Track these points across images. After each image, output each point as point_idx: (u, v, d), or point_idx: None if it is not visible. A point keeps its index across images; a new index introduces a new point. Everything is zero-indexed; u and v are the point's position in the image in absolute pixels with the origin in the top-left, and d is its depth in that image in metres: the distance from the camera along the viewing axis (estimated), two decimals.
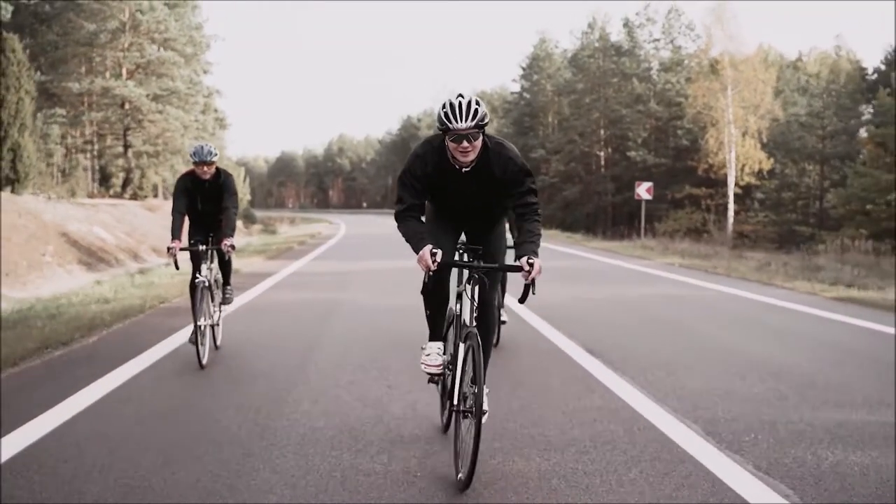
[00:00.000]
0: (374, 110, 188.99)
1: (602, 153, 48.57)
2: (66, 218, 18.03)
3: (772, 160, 36.74)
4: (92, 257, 16.49)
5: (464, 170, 3.43)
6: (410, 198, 3.47)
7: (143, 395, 4.91)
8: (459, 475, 3.33)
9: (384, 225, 46.19)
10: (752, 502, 3.23)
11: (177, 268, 5.81)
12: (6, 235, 14.07)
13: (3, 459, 3.62)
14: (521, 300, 3.30)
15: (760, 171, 36.52)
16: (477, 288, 3.55)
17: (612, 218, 46.08)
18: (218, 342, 6.31)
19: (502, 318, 6.24)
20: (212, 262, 6.08)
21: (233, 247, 5.93)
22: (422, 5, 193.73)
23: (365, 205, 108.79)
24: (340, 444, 3.89)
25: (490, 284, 3.57)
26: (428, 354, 3.78)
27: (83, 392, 4.83)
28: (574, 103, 50.58)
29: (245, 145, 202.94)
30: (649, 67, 48.32)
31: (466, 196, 3.53)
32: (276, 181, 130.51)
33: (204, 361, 5.66)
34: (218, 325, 6.31)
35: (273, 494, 3.25)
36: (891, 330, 7.78)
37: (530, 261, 3.25)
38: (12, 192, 18.58)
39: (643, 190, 25.73)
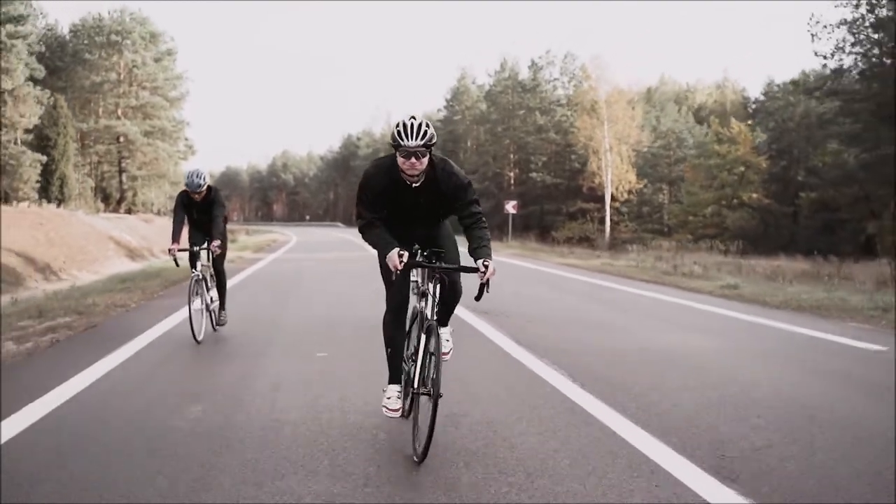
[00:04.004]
0: (316, 128, 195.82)
1: (511, 174, 57.38)
2: (106, 228, 25.93)
3: (644, 181, 46.14)
4: (131, 253, 24.49)
5: (413, 185, 3.69)
6: (368, 212, 3.74)
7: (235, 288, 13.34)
8: (417, 449, 3.66)
9: (325, 234, 54.81)
10: (507, 350, 7.37)
11: (177, 265, 6.78)
12: (87, 239, 22.06)
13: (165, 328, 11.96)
14: (477, 298, 3.57)
15: (631, 190, 45.87)
16: (439, 286, 3.88)
17: (519, 227, 55.17)
18: (214, 325, 7.40)
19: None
20: (207, 260, 7.20)
21: (220, 247, 7.02)
22: (364, 35, 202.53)
23: (308, 218, 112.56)
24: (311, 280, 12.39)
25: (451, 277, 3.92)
26: (389, 398, 3.95)
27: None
28: (489, 131, 59.40)
29: (190, 160, 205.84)
30: (549, 102, 57.47)
31: (416, 207, 3.80)
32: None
33: (199, 338, 6.74)
34: (213, 311, 7.35)
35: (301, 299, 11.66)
36: (573, 275, 16.69)
37: (485, 263, 3.56)
38: (63, 208, 26.36)
39: (510, 206, 34.21)
